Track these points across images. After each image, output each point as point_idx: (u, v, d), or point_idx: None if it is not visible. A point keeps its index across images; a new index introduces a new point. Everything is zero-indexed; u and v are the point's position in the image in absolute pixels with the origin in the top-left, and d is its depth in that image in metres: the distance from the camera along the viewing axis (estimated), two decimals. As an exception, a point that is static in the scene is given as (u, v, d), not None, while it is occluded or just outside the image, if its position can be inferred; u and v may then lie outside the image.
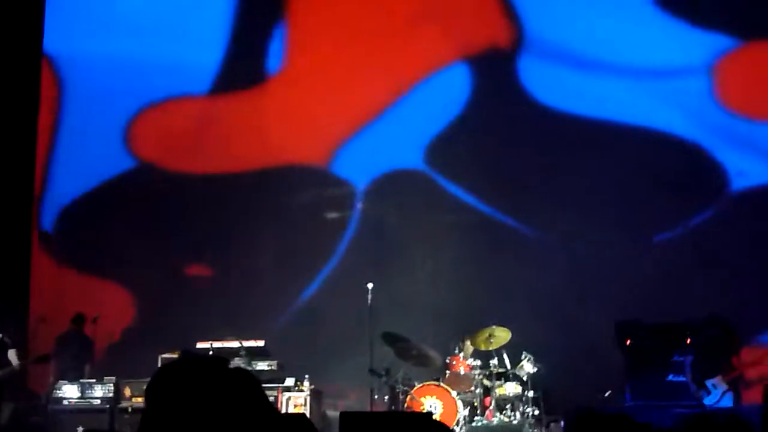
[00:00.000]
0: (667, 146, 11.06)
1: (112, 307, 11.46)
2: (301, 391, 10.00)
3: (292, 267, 11.99)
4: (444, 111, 11.59)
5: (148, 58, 12.03)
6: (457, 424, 9.76)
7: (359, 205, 12.22)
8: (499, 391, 9.98)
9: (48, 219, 12.25)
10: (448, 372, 10.03)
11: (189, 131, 11.99)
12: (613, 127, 11.18)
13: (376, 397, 9.82)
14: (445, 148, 11.59)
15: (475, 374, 10.04)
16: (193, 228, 12.03)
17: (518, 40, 11.50)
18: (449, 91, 11.58)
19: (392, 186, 11.96)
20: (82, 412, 9.61)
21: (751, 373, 9.96)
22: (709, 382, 9.58)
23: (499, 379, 10.03)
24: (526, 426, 9.38)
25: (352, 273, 11.27)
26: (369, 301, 10.04)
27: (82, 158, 12.09)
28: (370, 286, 10.00)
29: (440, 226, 11.80)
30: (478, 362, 10.28)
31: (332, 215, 12.25)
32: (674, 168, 11.12)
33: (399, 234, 11.77)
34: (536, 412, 9.82)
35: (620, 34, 11.19)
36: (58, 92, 12.37)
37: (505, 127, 11.32)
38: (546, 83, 11.33)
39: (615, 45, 11.21)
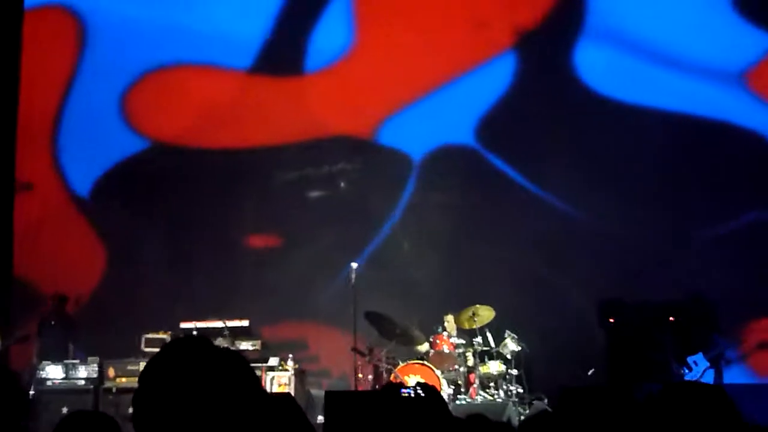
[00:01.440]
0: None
1: (85, 264, 11.54)
2: (285, 370, 9.97)
3: (271, 245, 12.02)
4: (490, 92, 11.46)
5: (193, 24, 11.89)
6: (441, 403, 9.66)
7: (341, 185, 12.18)
8: (482, 370, 9.96)
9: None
10: (432, 351, 9.99)
11: (226, 104, 11.95)
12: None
13: (360, 376, 9.75)
14: (489, 127, 11.41)
15: (459, 353, 9.99)
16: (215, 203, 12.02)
17: (578, 23, 11.33)
18: (498, 75, 11.49)
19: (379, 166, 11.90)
20: (66, 392, 9.52)
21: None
22: (690, 359, 9.59)
23: (482, 357, 10.01)
24: (510, 404, 9.33)
25: (337, 252, 11.24)
26: (353, 281, 10.03)
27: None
28: (354, 265, 9.95)
29: (426, 206, 11.78)
30: (462, 341, 10.29)
31: (315, 194, 12.22)
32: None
33: (382, 213, 11.76)
34: (519, 390, 9.82)
35: (681, 23, 11.06)
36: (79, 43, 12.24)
37: (548, 108, 11.13)
38: (601, 68, 11.23)
39: (676, 34, 11.06)
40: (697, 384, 2.76)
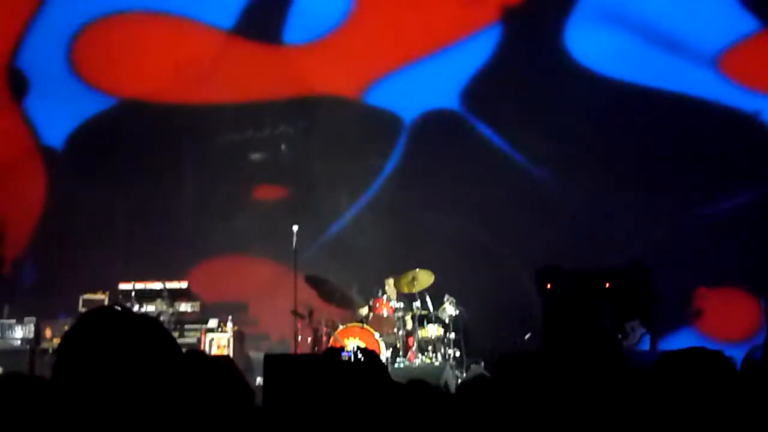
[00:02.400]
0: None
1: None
2: (224, 332, 9.96)
3: (214, 206, 11.89)
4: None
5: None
6: (380, 366, 9.72)
7: (283, 148, 12.11)
8: (421, 333, 10.07)
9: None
10: (371, 314, 10.06)
11: (205, 59, 11.70)
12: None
13: (299, 338, 9.78)
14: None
15: (398, 316, 10.08)
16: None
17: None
18: (484, 46, 11.47)
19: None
20: (1, 353, 9.43)
21: None
22: (627, 325, 9.65)
23: (421, 321, 10.13)
24: (447, 367, 9.39)
25: (278, 215, 11.17)
26: (293, 244, 9.96)
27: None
28: (294, 228, 9.88)
29: (369, 170, 11.81)
30: (401, 305, 10.36)
31: (256, 156, 12.15)
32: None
33: (325, 176, 11.68)
34: (457, 354, 9.94)
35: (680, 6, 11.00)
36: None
37: (533, 77, 11.13)
38: (589, 43, 11.24)
39: (665, 11, 11.06)
40: (697, 350, 2.75)
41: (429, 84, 11.40)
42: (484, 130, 11.51)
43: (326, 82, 11.60)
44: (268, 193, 11.79)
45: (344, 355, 4.09)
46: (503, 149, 11.40)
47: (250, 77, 11.67)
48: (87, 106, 11.76)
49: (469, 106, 11.44)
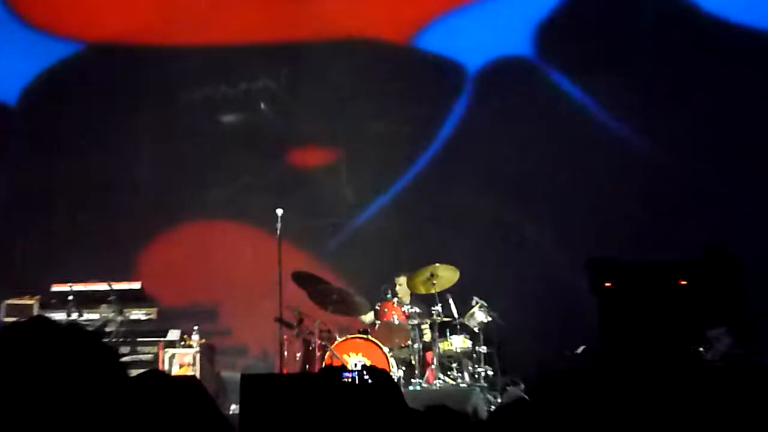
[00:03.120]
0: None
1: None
2: (189, 347, 10.00)
3: (177, 182, 12.04)
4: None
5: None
6: (389, 389, 9.77)
7: (262, 106, 12.27)
8: (443, 346, 10.15)
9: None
10: (378, 322, 10.20)
11: None
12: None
13: (285, 354, 9.88)
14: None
15: (412, 325, 10.20)
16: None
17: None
18: None
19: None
20: None
21: None
22: (711, 333, 9.48)
23: (443, 331, 10.24)
24: (477, 390, 9.48)
25: (257, 195, 11.40)
26: (278, 231, 9.99)
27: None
28: (279, 212, 10.00)
29: (390, 135, 12.00)
30: (417, 309, 10.40)
31: (228, 118, 12.28)
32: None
33: (321, 144, 12.03)
34: (490, 373, 10.04)
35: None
36: None
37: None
38: None
39: None
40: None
41: (493, 26, 11.80)
42: (556, 79, 11.83)
43: (361, 21, 12.02)
44: (250, 166, 11.93)
45: (346, 376, 4.15)
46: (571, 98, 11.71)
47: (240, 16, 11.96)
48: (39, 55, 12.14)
49: (541, 52, 11.79)
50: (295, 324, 10.02)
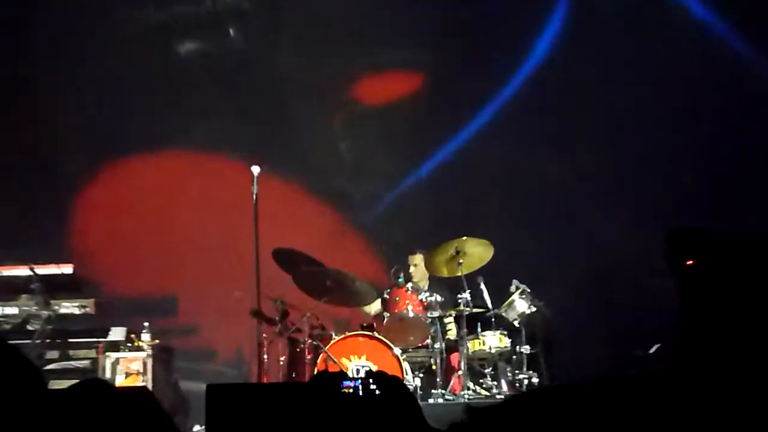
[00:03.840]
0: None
1: None
2: (138, 349, 9.96)
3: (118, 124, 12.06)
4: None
5: None
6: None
7: (231, 32, 12.33)
8: (472, 346, 10.25)
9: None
10: (387, 315, 10.23)
11: None
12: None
13: (265, 357, 9.89)
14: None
15: (432, 318, 10.24)
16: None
17: None
18: None
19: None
20: None
21: None
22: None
23: (473, 326, 10.30)
24: None
25: (231, 147, 11.56)
26: (254, 196, 10.09)
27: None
28: (255, 170, 10.10)
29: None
30: (438, 298, 10.41)
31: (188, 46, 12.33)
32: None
33: (304, 89, 11.97)
34: (535, 381, 10.16)
35: None
36: None
37: None
38: None
39: None
40: None
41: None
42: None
43: None
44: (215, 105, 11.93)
45: (346, 386, 4.13)
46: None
47: None
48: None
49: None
50: (277, 318, 10.07)
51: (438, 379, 10.16)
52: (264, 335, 10.00)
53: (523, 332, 10.34)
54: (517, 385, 10.24)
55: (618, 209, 11.51)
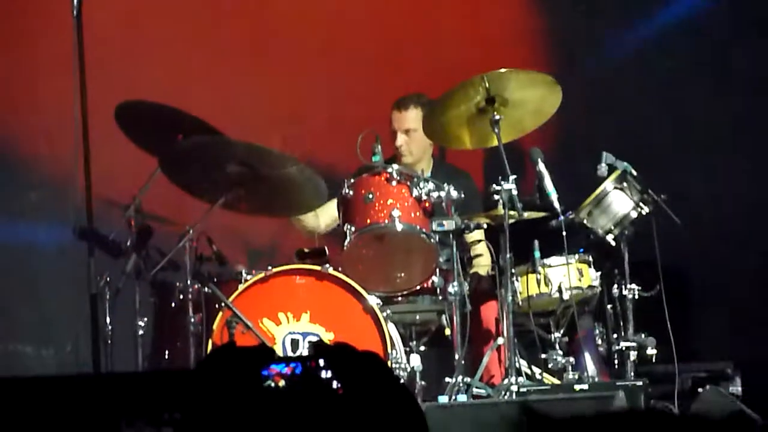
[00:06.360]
0: None
1: None
2: None
3: None
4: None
5: None
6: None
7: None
8: (525, 289, 9.43)
9: None
10: (350, 229, 9.31)
11: None
12: None
13: (108, 323, 9.03)
14: None
15: (440, 232, 9.29)
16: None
17: None
18: None
19: None
20: None
21: None
22: None
23: (524, 247, 9.47)
24: (621, 394, 8.76)
25: None
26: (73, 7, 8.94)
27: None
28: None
29: None
30: (454, 192, 9.33)
31: None
32: None
33: None
34: (651, 352, 9.45)
35: None
36: None
37: None
38: None
39: None
40: None
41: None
42: None
43: None
44: None
45: (273, 374, 3.64)
46: None
47: None
48: None
49: None
50: (129, 243, 9.12)
51: (456, 356, 9.24)
52: (102, 277, 8.82)
53: (626, 256, 9.46)
54: (617, 361, 9.55)
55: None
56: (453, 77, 9.96)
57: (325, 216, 9.98)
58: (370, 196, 9.23)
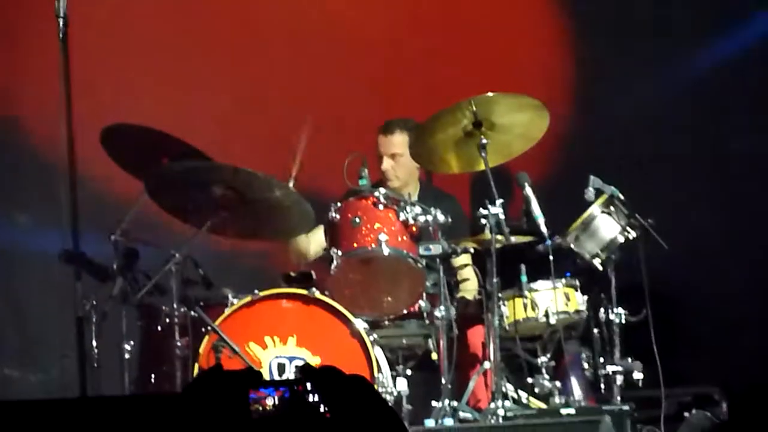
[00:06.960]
0: None
1: None
2: None
3: None
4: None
5: None
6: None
7: None
8: (513, 313, 9.45)
9: None
10: (337, 254, 9.30)
11: None
12: None
13: (95, 345, 9.08)
14: None
15: (428, 256, 9.34)
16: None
17: None
18: None
19: None
20: None
21: None
22: None
23: (512, 272, 9.53)
24: (606, 418, 8.86)
25: None
26: (60, 20, 8.81)
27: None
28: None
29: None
30: (441, 216, 9.34)
31: None
32: None
33: None
34: (638, 376, 9.41)
35: None
36: None
37: None
38: None
39: None
40: None
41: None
42: None
43: None
44: None
45: (260, 399, 3.40)
46: None
47: None
48: None
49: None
50: (115, 266, 9.16)
51: (443, 380, 9.23)
52: (88, 300, 8.89)
53: (613, 281, 9.48)
54: (603, 386, 9.53)
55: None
56: (445, 102, 9.92)
57: (314, 243, 10.03)
58: (357, 220, 9.25)
